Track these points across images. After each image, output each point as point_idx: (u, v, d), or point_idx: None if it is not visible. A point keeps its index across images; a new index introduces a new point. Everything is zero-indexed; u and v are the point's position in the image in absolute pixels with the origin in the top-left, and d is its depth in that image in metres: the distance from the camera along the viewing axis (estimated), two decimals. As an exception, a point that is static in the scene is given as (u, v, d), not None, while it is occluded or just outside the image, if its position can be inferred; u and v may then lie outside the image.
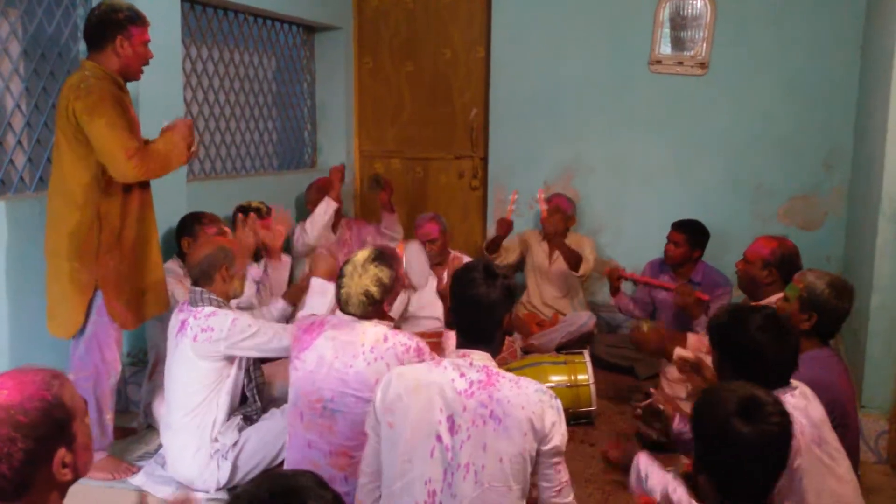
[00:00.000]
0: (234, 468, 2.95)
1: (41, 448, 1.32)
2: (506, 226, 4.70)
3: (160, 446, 3.15)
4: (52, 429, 1.34)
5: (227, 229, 3.76)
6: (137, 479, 3.06)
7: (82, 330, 2.98)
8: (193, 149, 3.12)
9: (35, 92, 3.50)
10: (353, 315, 2.59)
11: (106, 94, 2.84)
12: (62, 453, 1.35)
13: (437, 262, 4.44)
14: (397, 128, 5.73)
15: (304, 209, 5.23)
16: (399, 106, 5.70)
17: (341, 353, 2.51)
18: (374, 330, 2.54)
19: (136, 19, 2.99)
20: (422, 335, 2.92)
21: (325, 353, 2.53)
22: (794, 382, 2.21)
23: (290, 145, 5.48)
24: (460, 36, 5.49)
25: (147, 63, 3.07)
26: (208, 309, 2.92)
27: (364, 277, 2.55)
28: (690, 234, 4.21)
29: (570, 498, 2.14)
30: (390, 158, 5.78)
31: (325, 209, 4.55)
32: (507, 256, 4.89)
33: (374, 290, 2.55)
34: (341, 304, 2.61)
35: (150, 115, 3.63)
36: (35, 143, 3.51)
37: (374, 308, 2.59)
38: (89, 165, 2.87)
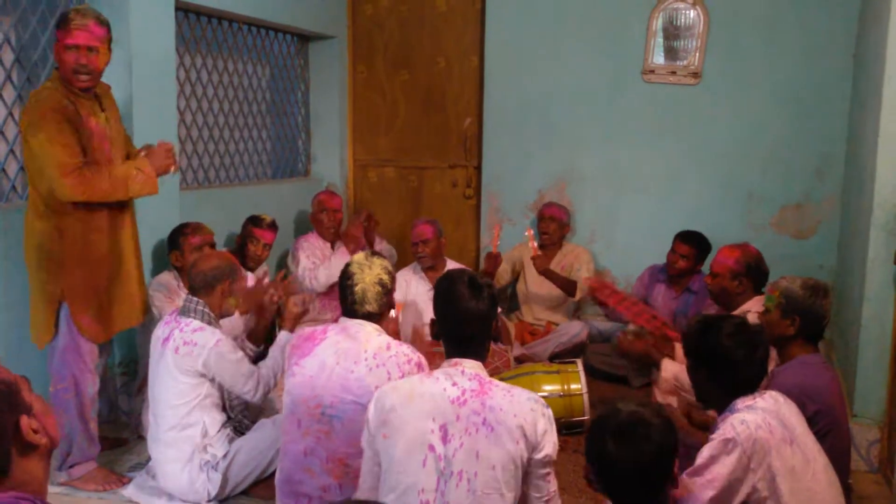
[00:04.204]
0: (225, 479, 2.94)
1: (2, 421, 1.36)
2: (493, 260, 4.60)
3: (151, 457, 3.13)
4: (2, 402, 1.37)
5: (211, 234, 3.67)
6: (128, 491, 3.05)
7: (57, 341, 2.95)
8: (173, 169, 3.03)
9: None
10: (370, 311, 2.57)
11: (49, 109, 2.71)
12: (26, 420, 1.38)
13: (429, 267, 4.45)
14: (391, 137, 5.74)
15: (298, 219, 5.23)
16: (393, 115, 5.71)
17: (343, 359, 2.51)
18: (378, 338, 2.55)
19: (61, 21, 2.76)
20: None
21: (327, 358, 2.53)
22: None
23: (283, 154, 5.48)
24: (454, 45, 5.50)
25: (79, 71, 2.79)
26: (196, 323, 2.90)
27: (374, 268, 2.59)
28: (697, 248, 4.26)
29: None
30: (384, 167, 5.78)
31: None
32: (501, 277, 4.89)
33: (386, 278, 2.61)
34: (356, 303, 2.57)
35: (143, 124, 3.63)
36: (27, 152, 3.50)
37: (386, 299, 2.62)
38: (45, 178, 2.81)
